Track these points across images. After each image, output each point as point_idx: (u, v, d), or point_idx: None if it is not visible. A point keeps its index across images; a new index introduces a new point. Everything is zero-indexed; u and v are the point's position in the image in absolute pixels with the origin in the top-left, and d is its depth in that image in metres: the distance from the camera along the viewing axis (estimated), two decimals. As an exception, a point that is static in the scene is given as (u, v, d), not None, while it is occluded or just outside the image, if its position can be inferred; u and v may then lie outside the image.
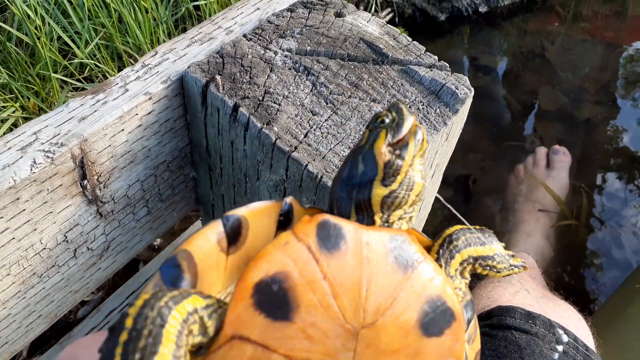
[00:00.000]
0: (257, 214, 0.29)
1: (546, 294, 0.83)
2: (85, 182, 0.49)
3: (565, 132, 1.40)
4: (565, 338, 0.57)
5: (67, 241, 0.51)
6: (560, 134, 1.39)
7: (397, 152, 0.31)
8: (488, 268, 0.34)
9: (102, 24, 1.06)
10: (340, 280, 0.26)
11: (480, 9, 1.62)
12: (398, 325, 0.26)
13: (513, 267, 0.36)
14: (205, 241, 0.27)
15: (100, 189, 0.51)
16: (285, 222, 0.31)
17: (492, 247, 0.35)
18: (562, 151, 1.26)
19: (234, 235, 0.28)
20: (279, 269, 0.25)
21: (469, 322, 0.33)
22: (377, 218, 0.31)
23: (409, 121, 0.31)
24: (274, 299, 0.24)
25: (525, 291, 0.80)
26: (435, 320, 0.27)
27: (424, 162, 0.33)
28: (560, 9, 1.67)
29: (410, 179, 0.31)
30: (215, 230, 0.28)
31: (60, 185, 0.46)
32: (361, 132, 0.50)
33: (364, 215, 0.31)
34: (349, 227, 0.27)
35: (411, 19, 1.55)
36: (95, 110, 0.48)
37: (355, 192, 0.31)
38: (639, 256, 1.15)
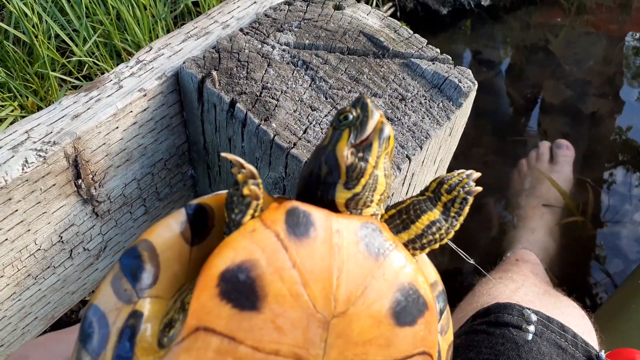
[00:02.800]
0: (222, 202, 0.27)
1: (548, 291, 0.82)
2: (80, 181, 0.48)
3: (570, 126, 1.38)
4: (533, 317, 0.56)
5: (62, 242, 0.50)
6: (565, 128, 1.37)
7: (360, 154, 0.29)
8: (427, 245, 0.32)
9: (100, 21, 1.05)
10: (310, 268, 0.24)
11: (482, 3, 1.60)
12: (370, 314, 0.25)
13: (458, 213, 0.33)
14: (167, 230, 0.26)
15: (95, 188, 0.50)
16: None
17: (422, 219, 0.32)
18: (565, 145, 1.25)
19: (199, 225, 0.27)
20: (246, 257, 0.24)
21: (441, 313, 0.32)
22: None
23: (374, 118, 0.29)
24: (241, 289, 0.23)
25: (527, 288, 0.79)
26: (408, 309, 0.27)
27: (390, 160, 0.31)
28: (563, 2, 1.65)
29: (374, 180, 0.30)
30: (178, 220, 0.26)
31: (54, 184, 0.45)
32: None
33: None
34: (318, 214, 0.26)
35: (413, 13, 1.53)
36: (89, 108, 0.46)
37: (320, 192, 0.29)
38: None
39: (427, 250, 0.33)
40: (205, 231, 0.27)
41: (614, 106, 1.42)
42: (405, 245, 0.32)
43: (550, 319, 0.62)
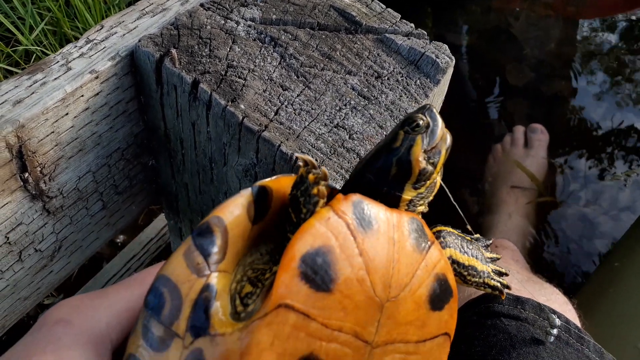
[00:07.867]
0: (280, 185, 0.29)
1: (531, 277, 0.81)
2: (26, 174, 0.43)
3: (534, 108, 1.39)
4: (557, 322, 0.54)
5: (9, 243, 0.45)
6: (529, 110, 1.37)
7: (431, 160, 0.32)
8: (459, 275, 0.38)
9: (47, 7, 0.98)
10: (372, 257, 0.28)
11: (444, -14, 1.58)
12: (413, 299, 0.29)
13: (486, 285, 0.40)
14: (237, 209, 0.28)
15: (45, 182, 0.45)
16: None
17: (471, 259, 0.38)
18: (539, 129, 1.24)
19: (261, 205, 0.29)
20: (323, 242, 0.26)
21: None
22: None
23: (441, 127, 0.33)
24: (318, 271, 0.26)
25: (511, 275, 0.77)
26: (440, 297, 0.31)
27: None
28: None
29: (435, 182, 0.33)
30: (246, 199, 0.28)
31: (-4, 179, 0.40)
32: (338, 108, 0.45)
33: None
34: (380, 209, 0.30)
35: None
36: (33, 92, 0.41)
37: (387, 189, 0.32)
38: (617, 233, 1.15)
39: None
40: (264, 211, 0.29)
41: (573, 88, 1.44)
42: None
43: (542, 306, 0.60)
